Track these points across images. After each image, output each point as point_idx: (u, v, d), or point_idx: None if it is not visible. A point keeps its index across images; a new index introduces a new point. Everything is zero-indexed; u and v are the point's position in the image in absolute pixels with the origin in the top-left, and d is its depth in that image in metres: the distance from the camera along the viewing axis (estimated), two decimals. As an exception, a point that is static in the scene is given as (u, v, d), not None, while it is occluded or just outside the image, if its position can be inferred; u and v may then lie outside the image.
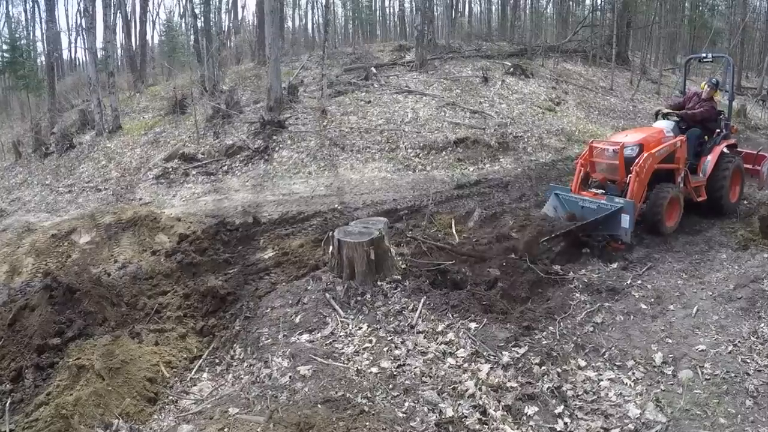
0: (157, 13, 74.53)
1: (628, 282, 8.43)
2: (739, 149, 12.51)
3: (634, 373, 6.20)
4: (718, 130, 11.70)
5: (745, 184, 12.37)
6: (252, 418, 5.44)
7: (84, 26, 25.29)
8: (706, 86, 11.82)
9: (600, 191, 10.59)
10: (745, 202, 12.27)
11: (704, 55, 12.98)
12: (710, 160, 11.35)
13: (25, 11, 46.53)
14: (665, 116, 11.72)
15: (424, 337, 6.84)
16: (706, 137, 11.67)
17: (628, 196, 9.76)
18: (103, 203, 16.07)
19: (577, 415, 5.56)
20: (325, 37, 28.33)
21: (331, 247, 8.15)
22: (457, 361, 6.37)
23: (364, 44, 39.37)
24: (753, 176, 12.66)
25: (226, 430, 5.35)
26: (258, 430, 5.24)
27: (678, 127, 11.27)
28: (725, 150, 11.69)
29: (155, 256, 10.93)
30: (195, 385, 6.59)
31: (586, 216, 10.01)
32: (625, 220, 9.37)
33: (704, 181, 11.28)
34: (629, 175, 9.97)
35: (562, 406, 5.65)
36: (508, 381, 6.00)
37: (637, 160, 10.00)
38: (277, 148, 19.15)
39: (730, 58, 13.94)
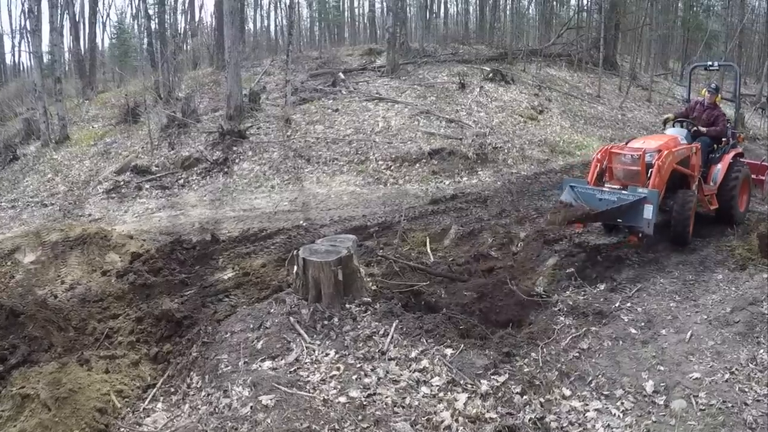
0: (108, 14, 73.94)
1: (617, 304, 8.36)
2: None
3: (623, 403, 6.17)
4: (724, 139, 11.98)
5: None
6: (210, 450, 5.46)
7: (28, 28, 25.30)
8: (706, 92, 12.15)
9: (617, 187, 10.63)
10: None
11: (711, 63, 13.35)
12: (720, 168, 11.66)
13: (-36, 12, 46.13)
14: (680, 123, 12.01)
15: (396, 364, 6.82)
16: (715, 146, 11.93)
17: (651, 185, 9.87)
18: (50, 219, 16.01)
19: (561, 448, 5.61)
20: (290, 40, 28.52)
21: (295, 267, 8.16)
22: (431, 390, 6.37)
23: (331, 48, 39.51)
24: (757, 186, 13.08)
25: (182, 463, 5.36)
26: (217, 463, 5.25)
27: (690, 135, 11.56)
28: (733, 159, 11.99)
29: (105, 276, 10.91)
30: (149, 416, 6.54)
31: (602, 208, 9.96)
32: (648, 211, 9.44)
33: (715, 189, 11.55)
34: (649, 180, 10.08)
35: (546, 439, 5.66)
36: (487, 411, 5.99)
37: (658, 155, 10.12)
38: (237, 160, 19.21)
39: (736, 66, 14.16)
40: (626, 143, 11.14)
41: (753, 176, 12.74)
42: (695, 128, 11.75)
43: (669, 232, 10.44)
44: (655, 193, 9.51)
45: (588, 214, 9.76)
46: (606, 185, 10.68)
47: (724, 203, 11.56)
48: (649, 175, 10.10)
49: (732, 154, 11.95)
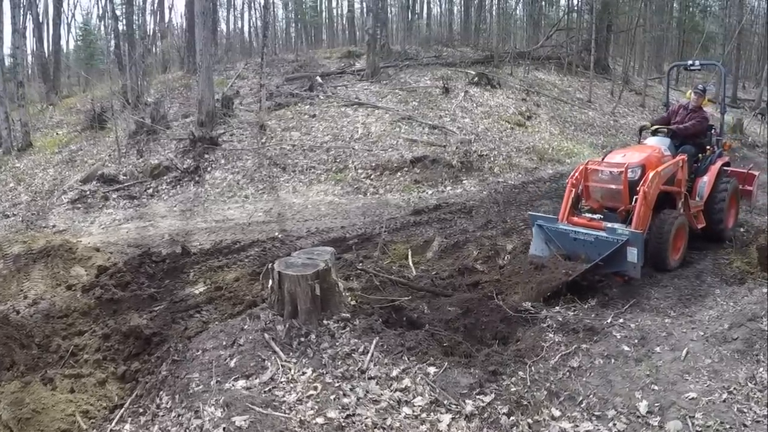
0: (73, 15, 73.29)
1: (609, 320, 8.29)
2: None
3: (615, 424, 6.11)
4: (709, 147, 11.66)
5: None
6: (181, 473, 5.46)
7: (-12, 29, 25.14)
8: (692, 94, 11.73)
9: (596, 216, 10.20)
10: (742, 229, 12.32)
11: (691, 62, 12.89)
12: (706, 181, 11.26)
13: None
14: (654, 132, 11.44)
15: (377, 384, 6.77)
16: (699, 155, 11.53)
17: (634, 223, 9.40)
18: (11, 231, 15.90)
19: (549, 472, 5.61)
20: (264, 42, 28.56)
21: (270, 281, 8.11)
22: (413, 411, 6.31)
23: (308, 50, 39.64)
24: (743, 197, 12.68)
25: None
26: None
27: (673, 144, 11.08)
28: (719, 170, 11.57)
29: (71, 291, 10.85)
30: (116, 437, 6.55)
31: (578, 250, 9.66)
32: (633, 254, 8.95)
33: (702, 205, 11.16)
34: (632, 203, 9.60)
35: (534, 462, 5.66)
36: (472, 433, 5.99)
37: (643, 181, 9.60)
38: (209, 169, 19.23)
39: (722, 66, 13.61)
40: (603, 158, 10.78)
41: (740, 186, 12.39)
42: (654, 128, 11.48)
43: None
44: (638, 235, 9.02)
45: (566, 282, 9.05)
46: (583, 209, 10.49)
47: (712, 221, 11.25)
48: (633, 200, 9.62)
49: (718, 164, 11.56)
